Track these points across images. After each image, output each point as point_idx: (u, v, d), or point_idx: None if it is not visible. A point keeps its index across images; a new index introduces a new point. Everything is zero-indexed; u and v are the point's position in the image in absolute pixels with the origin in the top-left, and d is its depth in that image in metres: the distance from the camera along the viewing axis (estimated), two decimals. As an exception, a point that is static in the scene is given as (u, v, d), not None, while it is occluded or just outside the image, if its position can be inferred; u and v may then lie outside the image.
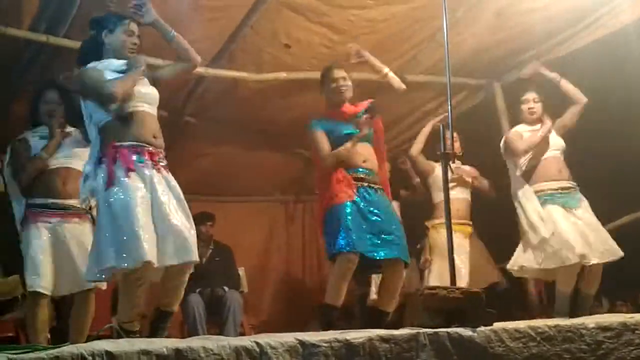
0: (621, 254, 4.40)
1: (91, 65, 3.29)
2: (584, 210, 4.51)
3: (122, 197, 3.07)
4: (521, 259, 4.57)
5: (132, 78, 3.24)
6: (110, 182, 3.08)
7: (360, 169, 3.97)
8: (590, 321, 2.93)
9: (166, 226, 3.11)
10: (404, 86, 4.16)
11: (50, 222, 3.76)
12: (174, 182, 3.26)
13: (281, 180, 7.14)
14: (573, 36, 4.91)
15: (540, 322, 2.89)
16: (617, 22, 4.65)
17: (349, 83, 4.08)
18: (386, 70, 4.15)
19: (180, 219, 3.16)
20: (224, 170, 6.39)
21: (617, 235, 4.82)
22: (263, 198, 7.26)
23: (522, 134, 4.68)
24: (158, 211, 3.11)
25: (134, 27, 3.35)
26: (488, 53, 5.19)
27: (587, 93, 4.64)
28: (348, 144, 3.95)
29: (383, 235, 3.87)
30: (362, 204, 3.89)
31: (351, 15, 4.49)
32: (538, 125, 4.64)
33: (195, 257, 3.17)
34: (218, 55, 4.80)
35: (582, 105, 4.59)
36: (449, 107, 3.59)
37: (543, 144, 4.59)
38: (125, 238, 3.00)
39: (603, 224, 4.61)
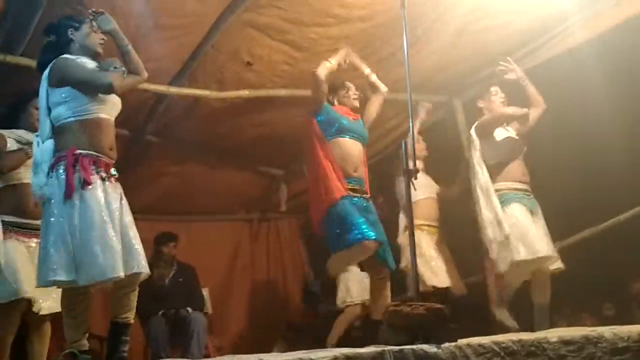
0: (561, 265, 4.52)
1: (69, 56, 3.17)
2: (539, 216, 4.61)
3: (81, 210, 3.01)
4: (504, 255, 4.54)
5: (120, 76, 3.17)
6: (69, 193, 3.01)
7: (352, 180, 4.04)
8: (552, 335, 2.94)
9: (119, 239, 3.07)
10: (385, 88, 4.35)
11: (25, 242, 3.68)
12: (123, 194, 3.22)
13: (245, 199, 7.08)
14: (529, 54, 5.00)
15: (504, 337, 2.89)
16: (571, 42, 4.76)
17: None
18: (368, 71, 4.37)
19: (131, 232, 3.14)
20: (187, 189, 6.32)
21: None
22: (227, 217, 7.20)
23: None
24: (112, 224, 3.06)
25: (96, 24, 3.24)
26: (448, 70, 5.25)
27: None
28: (341, 52, 4.20)
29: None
30: (360, 207, 3.97)
31: (312, 33, 4.50)
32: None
33: (144, 268, 3.13)
34: (179, 73, 4.75)
35: (542, 110, 4.68)
36: (410, 124, 3.61)
37: (513, 146, 4.67)
38: (83, 254, 2.96)
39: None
